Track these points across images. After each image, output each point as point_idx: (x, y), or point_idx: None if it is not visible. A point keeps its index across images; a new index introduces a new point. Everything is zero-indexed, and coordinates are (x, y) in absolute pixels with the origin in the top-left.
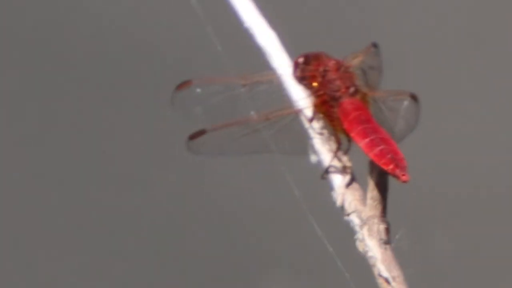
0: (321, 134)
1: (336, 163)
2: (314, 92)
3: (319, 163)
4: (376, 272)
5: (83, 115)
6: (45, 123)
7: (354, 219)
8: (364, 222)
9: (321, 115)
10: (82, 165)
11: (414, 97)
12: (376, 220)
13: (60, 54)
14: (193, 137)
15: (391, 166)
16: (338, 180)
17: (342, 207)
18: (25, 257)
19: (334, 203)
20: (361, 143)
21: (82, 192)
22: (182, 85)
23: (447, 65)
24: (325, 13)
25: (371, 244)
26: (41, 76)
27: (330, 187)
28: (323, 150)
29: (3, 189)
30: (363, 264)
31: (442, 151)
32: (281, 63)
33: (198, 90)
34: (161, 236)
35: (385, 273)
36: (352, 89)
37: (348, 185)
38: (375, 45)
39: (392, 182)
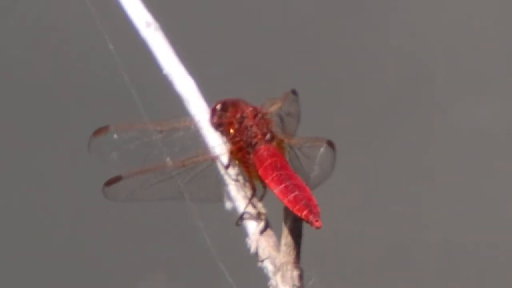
0: (236, 180)
1: (250, 209)
2: (231, 139)
3: (234, 209)
4: None
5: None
6: None
7: (268, 266)
8: (277, 269)
9: (236, 162)
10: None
11: (330, 144)
12: (289, 267)
13: None
14: (109, 183)
15: (304, 212)
16: (252, 227)
17: (256, 254)
18: None
19: (248, 249)
20: (276, 189)
21: None
22: (99, 131)
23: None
24: (244, 59)
25: None
26: None
27: (244, 234)
28: (238, 197)
29: None
30: None
31: (358, 196)
32: (199, 109)
33: (115, 136)
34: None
35: None
36: (268, 136)
37: (262, 231)
38: (294, 92)
39: (306, 228)
